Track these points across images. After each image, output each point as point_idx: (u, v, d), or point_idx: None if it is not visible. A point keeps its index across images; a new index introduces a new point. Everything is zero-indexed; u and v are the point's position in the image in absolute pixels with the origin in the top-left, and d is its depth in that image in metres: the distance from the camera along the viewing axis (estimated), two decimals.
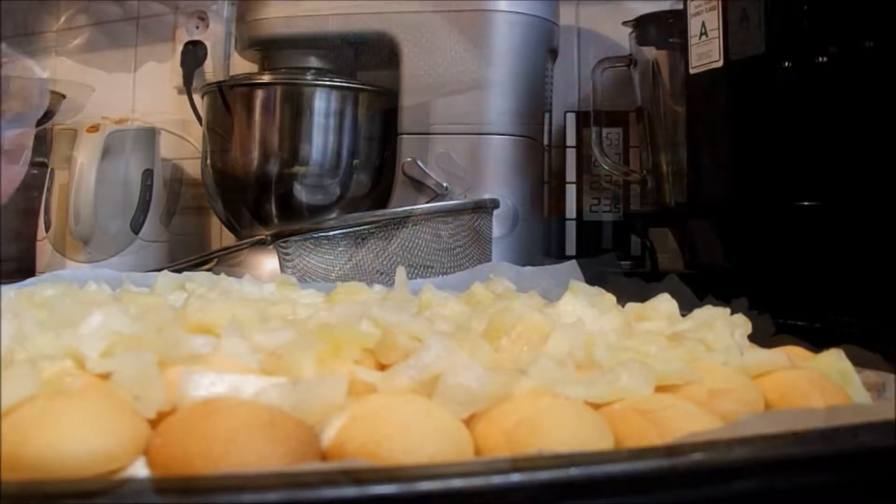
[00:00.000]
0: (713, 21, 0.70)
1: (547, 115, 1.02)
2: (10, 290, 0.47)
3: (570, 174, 1.08)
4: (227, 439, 0.25)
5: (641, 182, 1.03)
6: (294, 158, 0.95)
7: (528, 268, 0.71)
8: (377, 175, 0.99)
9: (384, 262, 0.76)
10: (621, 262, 1.02)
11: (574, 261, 0.73)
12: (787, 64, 0.64)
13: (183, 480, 0.23)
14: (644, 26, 0.97)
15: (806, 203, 0.63)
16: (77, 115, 1.28)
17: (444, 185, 0.91)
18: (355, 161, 0.98)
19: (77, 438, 0.24)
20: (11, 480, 0.22)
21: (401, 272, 0.55)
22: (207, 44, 1.29)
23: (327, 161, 0.96)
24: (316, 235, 0.77)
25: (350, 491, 0.20)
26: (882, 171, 0.60)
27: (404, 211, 0.77)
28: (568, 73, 1.17)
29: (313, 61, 1.02)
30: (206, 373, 0.29)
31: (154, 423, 0.27)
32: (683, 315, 0.46)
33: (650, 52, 0.98)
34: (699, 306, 0.45)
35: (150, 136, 1.17)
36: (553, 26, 0.99)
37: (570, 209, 1.07)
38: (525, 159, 0.95)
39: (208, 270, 0.84)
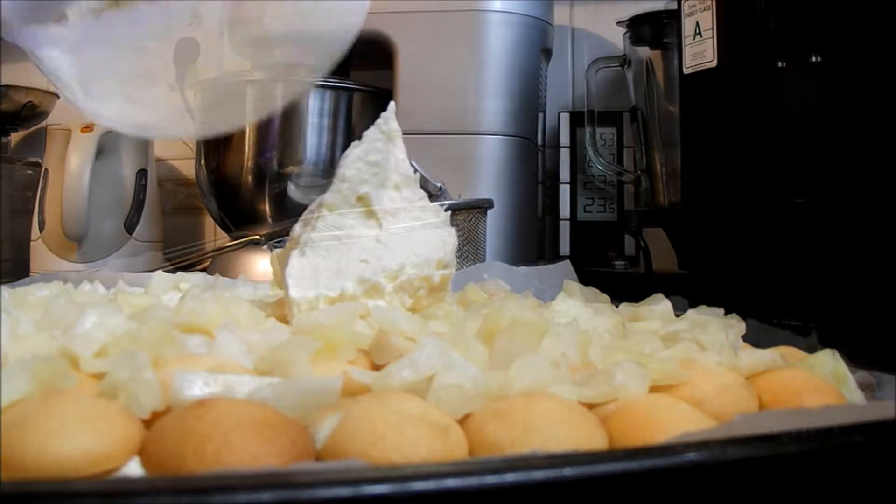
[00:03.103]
0: (707, 21, 0.70)
1: (541, 115, 1.02)
2: (5, 291, 0.46)
3: (564, 174, 1.08)
4: (222, 439, 0.25)
5: (635, 182, 1.03)
6: (288, 158, 0.95)
7: (523, 268, 0.71)
8: None
9: None
10: (615, 262, 1.02)
11: (568, 261, 0.73)
12: (781, 64, 0.64)
13: (177, 480, 0.23)
14: (638, 26, 0.98)
15: (801, 202, 0.63)
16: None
17: (439, 185, 0.91)
18: None
19: (71, 438, 0.24)
20: (6, 480, 0.22)
21: None
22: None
23: (321, 160, 0.96)
24: None
25: (344, 491, 0.20)
26: (875, 169, 0.60)
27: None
28: (562, 73, 1.17)
29: None
30: (201, 373, 0.29)
31: (148, 423, 0.27)
32: (678, 315, 0.46)
33: (644, 52, 0.98)
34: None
35: None
36: (547, 26, 0.99)
37: (564, 209, 1.07)
38: (519, 159, 0.95)
39: (202, 271, 0.84)
